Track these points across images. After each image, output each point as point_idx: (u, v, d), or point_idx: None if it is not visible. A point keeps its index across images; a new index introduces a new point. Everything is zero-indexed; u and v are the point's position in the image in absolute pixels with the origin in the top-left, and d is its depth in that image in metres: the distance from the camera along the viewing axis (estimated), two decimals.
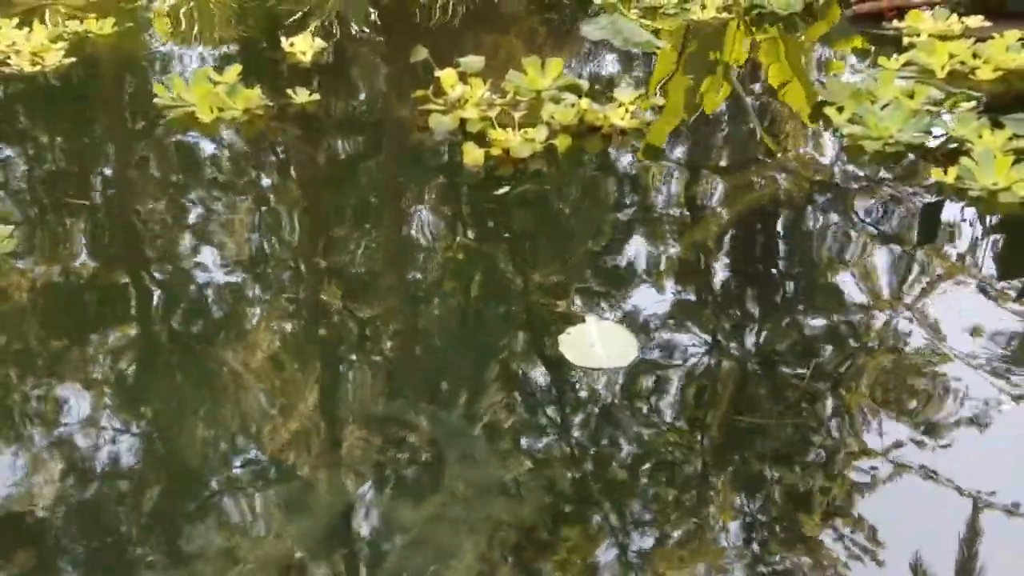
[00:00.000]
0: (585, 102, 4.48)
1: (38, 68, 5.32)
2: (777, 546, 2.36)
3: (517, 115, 4.43)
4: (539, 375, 2.97)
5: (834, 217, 3.84)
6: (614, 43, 5.66)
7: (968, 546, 2.33)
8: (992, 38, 5.01)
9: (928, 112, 4.34)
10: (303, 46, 5.51)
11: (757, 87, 5.17)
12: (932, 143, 4.18)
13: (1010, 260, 3.51)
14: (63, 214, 4.01)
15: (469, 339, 3.22)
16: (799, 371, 2.94)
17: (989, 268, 3.47)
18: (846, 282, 3.38)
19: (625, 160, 4.34)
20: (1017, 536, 2.38)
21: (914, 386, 2.87)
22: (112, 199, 4.23)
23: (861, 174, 4.11)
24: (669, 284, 3.42)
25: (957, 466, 2.54)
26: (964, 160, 3.84)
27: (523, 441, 2.71)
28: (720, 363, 3.01)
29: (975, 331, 3.06)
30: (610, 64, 5.64)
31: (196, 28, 6.01)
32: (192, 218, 3.92)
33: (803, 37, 5.87)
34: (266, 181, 4.34)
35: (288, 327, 3.23)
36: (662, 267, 3.53)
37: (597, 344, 3.04)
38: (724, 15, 6.01)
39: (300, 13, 5.98)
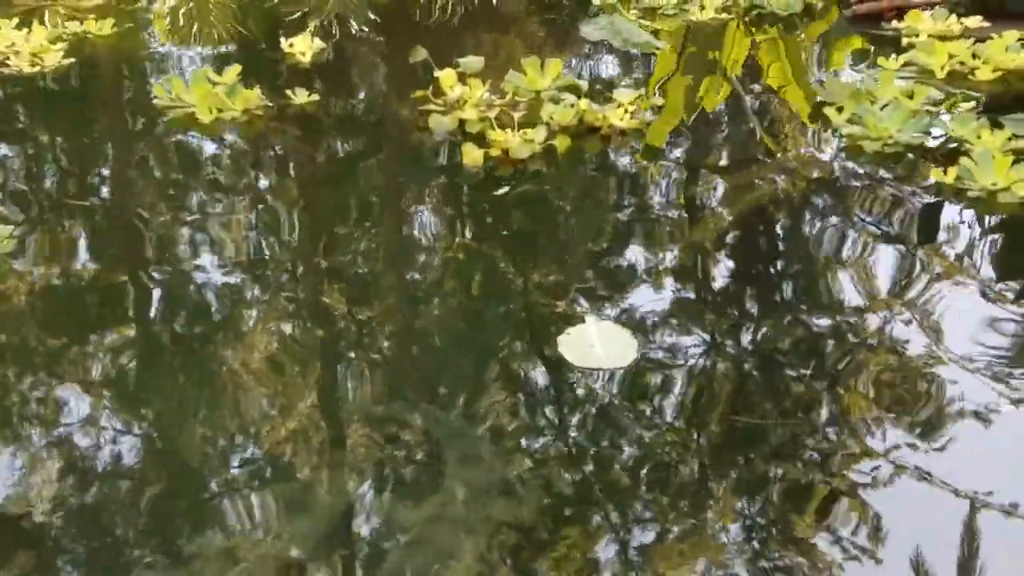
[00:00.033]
0: (584, 103, 4.48)
1: (37, 69, 5.31)
2: (776, 546, 2.36)
3: (516, 116, 4.43)
4: (539, 375, 2.97)
5: (833, 217, 3.84)
6: (613, 44, 5.65)
7: (967, 546, 2.33)
8: (991, 38, 5.01)
9: (927, 112, 4.34)
10: (302, 46, 5.50)
11: (757, 87, 5.16)
12: (931, 143, 4.18)
13: (1009, 260, 3.51)
14: (63, 214, 4.01)
15: (469, 339, 3.22)
16: (798, 372, 2.94)
17: (988, 268, 3.47)
18: (845, 282, 3.39)
19: (624, 160, 4.34)
20: (1016, 536, 2.38)
21: (912, 387, 2.87)
22: (112, 200, 4.23)
23: (860, 174, 4.11)
24: (668, 284, 3.42)
25: (956, 466, 2.55)
26: (963, 160, 3.84)
27: (523, 441, 2.71)
28: (719, 363, 3.01)
29: (974, 332, 3.06)
30: (609, 65, 5.64)
31: (195, 29, 6.00)
32: (192, 219, 3.92)
33: (803, 37, 5.87)
34: (265, 182, 4.34)
35: (288, 327, 3.23)
36: (661, 267, 3.53)
37: (597, 344, 3.04)
38: (723, 16, 6.01)
39: (299, 13, 5.97)
